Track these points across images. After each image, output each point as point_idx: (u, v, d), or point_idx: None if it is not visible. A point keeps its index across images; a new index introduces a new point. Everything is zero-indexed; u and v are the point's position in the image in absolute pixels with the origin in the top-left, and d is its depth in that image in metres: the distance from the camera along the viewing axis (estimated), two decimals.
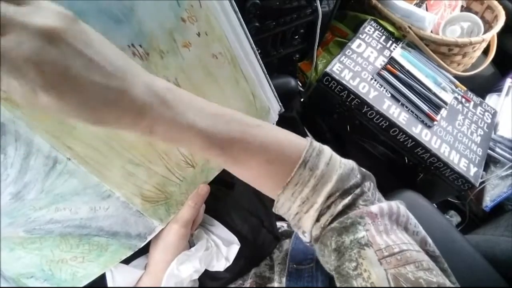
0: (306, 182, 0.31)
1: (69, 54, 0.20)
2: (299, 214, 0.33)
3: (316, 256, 0.42)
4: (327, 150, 0.33)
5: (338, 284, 0.29)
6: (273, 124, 0.48)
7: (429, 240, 0.33)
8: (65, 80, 0.20)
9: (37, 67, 0.19)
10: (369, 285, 0.27)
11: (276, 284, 0.40)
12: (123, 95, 0.23)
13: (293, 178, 0.31)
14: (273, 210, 0.34)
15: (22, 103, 0.23)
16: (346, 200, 0.31)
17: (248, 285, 0.43)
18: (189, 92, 0.29)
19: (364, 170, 0.35)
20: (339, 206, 0.31)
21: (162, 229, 0.42)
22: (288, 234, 0.53)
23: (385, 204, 0.32)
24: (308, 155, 0.31)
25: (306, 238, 0.34)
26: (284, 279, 0.40)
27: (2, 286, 0.35)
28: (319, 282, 0.37)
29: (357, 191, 0.32)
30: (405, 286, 0.25)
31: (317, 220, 0.32)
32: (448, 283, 0.27)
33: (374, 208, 0.31)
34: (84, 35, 0.22)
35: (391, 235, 0.30)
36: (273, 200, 0.55)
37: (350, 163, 0.34)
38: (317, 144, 0.33)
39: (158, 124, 0.26)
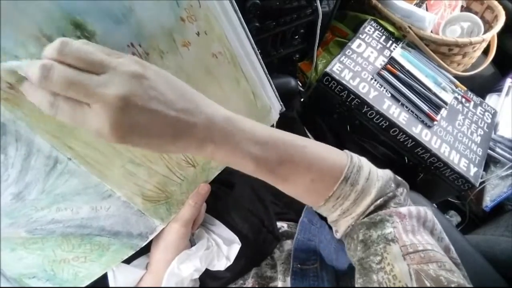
0: (347, 196, 0.34)
1: (136, 112, 0.25)
2: (338, 220, 0.36)
3: (321, 256, 0.42)
4: (365, 165, 0.36)
5: (357, 276, 0.31)
6: (277, 119, 0.49)
7: (452, 248, 0.34)
8: (134, 132, 0.25)
9: (111, 131, 0.24)
10: (391, 277, 0.28)
11: (280, 283, 0.40)
12: (190, 128, 0.27)
13: (335, 192, 0.33)
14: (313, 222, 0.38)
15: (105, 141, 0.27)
16: (378, 202, 0.34)
17: (250, 285, 0.43)
18: (244, 118, 0.32)
19: (399, 178, 0.37)
20: (371, 207, 0.34)
21: (163, 229, 0.42)
22: (289, 234, 0.53)
23: (414, 208, 0.34)
24: (349, 172, 0.34)
25: (337, 236, 0.37)
26: (288, 278, 0.40)
27: (4, 286, 0.35)
28: (325, 282, 0.38)
29: (390, 194, 0.35)
30: (426, 281, 0.27)
31: (353, 223, 0.35)
32: (468, 286, 0.28)
33: (403, 209, 0.33)
34: (150, 88, 0.26)
35: (417, 236, 0.31)
36: (273, 201, 0.56)
37: (387, 174, 0.36)
38: (356, 159, 0.35)
39: (219, 152, 0.30)
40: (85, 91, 0.24)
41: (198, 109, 0.28)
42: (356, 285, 0.31)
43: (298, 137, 0.34)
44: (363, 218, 0.34)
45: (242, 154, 0.30)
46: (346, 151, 0.36)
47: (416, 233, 0.31)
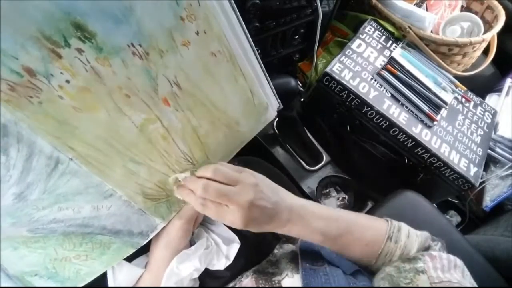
0: (394, 252, 0.40)
1: (255, 210, 0.37)
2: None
3: (327, 259, 0.43)
4: (404, 226, 0.43)
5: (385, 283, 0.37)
6: (274, 116, 0.52)
7: None
8: (252, 223, 0.37)
9: (242, 223, 0.37)
10: None
11: (288, 280, 0.41)
12: (278, 215, 0.39)
13: (383, 250, 0.40)
14: None
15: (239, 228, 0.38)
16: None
17: (249, 281, 0.43)
18: (312, 202, 0.42)
19: (435, 237, 0.44)
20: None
21: (164, 227, 0.43)
22: (289, 236, 0.53)
23: (445, 254, 0.39)
24: (391, 232, 0.41)
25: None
26: (297, 275, 0.40)
27: (7, 285, 0.35)
28: (335, 280, 0.38)
29: (426, 245, 0.41)
30: None
31: None
32: None
33: (434, 253, 0.39)
34: (261, 194, 0.38)
35: (446, 274, 0.36)
36: None
37: (425, 234, 0.43)
38: (395, 222, 0.43)
39: (294, 229, 0.40)
40: (227, 198, 0.36)
41: (283, 201, 0.40)
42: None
43: (349, 212, 0.43)
44: None
45: (311, 229, 0.40)
46: (386, 218, 0.44)
47: (445, 272, 0.36)
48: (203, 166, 0.40)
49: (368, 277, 0.41)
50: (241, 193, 0.37)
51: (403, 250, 0.40)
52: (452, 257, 0.39)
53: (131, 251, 0.41)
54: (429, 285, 0.34)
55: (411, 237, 0.41)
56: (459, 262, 0.39)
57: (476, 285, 0.38)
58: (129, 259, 0.43)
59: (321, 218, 0.40)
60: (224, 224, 0.50)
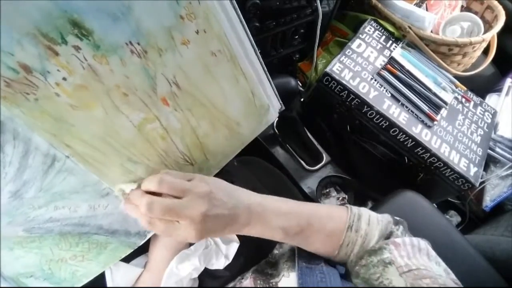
0: (355, 242, 0.40)
1: (212, 218, 0.35)
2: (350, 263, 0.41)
3: (324, 259, 0.43)
4: (364, 212, 0.42)
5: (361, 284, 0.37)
6: (276, 118, 0.52)
7: (451, 272, 0.37)
8: (213, 226, 0.35)
9: (197, 232, 0.34)
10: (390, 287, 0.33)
11: (284, 279, 0.40)
12: (236, 219, 0.37)
13: (344, 240, 0.40)
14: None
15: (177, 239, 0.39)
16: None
17: (248, 281, 0.42)
18: (271, 197, 0.41)
19: (397, 218, 0.43)
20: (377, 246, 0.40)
21: None
22: None
23: (408, 238, 0.39)
24: (351, 221, 0.40)
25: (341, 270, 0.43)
26: (292, 274, 0.40)
27: (2, 286, 0.35)
28: (331, 280, 0.38)
29: (389, 231, 0.41)
30: None
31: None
32: None
33: (398, 240, 0.39)
34: (216, 197, 0.36)
35: (412, 259, 0.36)
36: None
37: (386, 217, 0.42)
38: (355, 210, 0.42)
39: (254, 230, 0.38)
40: (176, 214, 0.33)
41: (241, 203, 0.38)
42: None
43: (309, 204, 0.42)
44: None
45: (271, 227, 0.39)
46: (347, 205, 0.43)
47: (411, 258, 0.36)
48: (147, 177, 0.37)
49: None
50: (191, 205, 0.34)
51: (364, 238, 0.40)
52: (415, 240, 0.39)
53: (128, 251, 0.41)
54: (399, 276, 0.34)
55: (371, 224, 0.40)
56: (423, 244, 0.39)
57: (442, 262, 0.38)
58: (128, 259, 0.43)
59: (280, 214, 0.39)
60: None
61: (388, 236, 0.40)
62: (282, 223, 0.39)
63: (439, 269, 0.36)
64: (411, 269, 0.34)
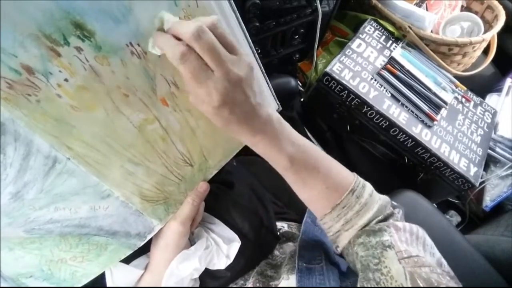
0: (352, 207, 0.38)
1: (238, 92, 0.32)
2: (340, 231, 0.39)
3: (325, 256, 0.42)
4: (369, 185, 0.41)
5: (359, 272, 0.35)
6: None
7: (444, 262, 0.36)
8: (228, 105, 0.31)
9: (219, 97, 0.30)
10: (388, 278, 0.31)
11: (283, 282, 0.40)
12: (254, 119, 0.34)
13: (342, 201, 0.38)
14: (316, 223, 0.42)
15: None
16: (379, 218, 0.38)
17: (251, 285, 0.43)
18: (287, 124, 0.38)
19: (395, 203, 0.42)
20: (373, 222, 0.38)
21: (162, 228, 0.42)
22: (289, 235, 0.53)
23: (407, 224, 0.38)
24: (356, 186, 0.39)
25: (338, 250, 0.41)
26: (292, 276, 0.40)
27: (1, 286, 0.35)
28: (331, 281, 0.38)
29: (389, 212, 0.39)
30: (418, 281, 0.30)
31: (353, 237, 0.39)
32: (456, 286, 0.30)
33: (399, 223, 0.37)
34: (252, 81, 0.33)
35: (410, 247, 0.35)
36: (273, 201, 0.55)
37: (386, 198, 0.41)
38: (362, 179, 0.40)
39: (263, 143, 0.36)
40: (219, 60, 0.29)
41: (264, 106, 0.35)
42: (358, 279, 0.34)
43: (321, 151, 0.40)
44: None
45: (280, 149, 0.36)
46: (354, 172, 0.41)
47: (409, 244, 0.35)
48: (199, 17, 0.32)
49: None
50: (236, 63, 0.31)
51: (362, 207, 0.38)
52: (414, 227, 0.38)
53: (128, 252, 0.41)
54: (398, 262, 0.32)
55: (373, 197, 0.39)
56: (421, 232, 0.38)
57: (437, 252, 0.37)
58: (129, 260, 0.43)
59: (293, 143, 0.37)
60: (218, 182, 0.48)
61: (387, 217, 0.39)
62: (291, 150, 0.36)
63: (432, 260, 0.35)
64: (411, 256, 0.33)
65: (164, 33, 0.31)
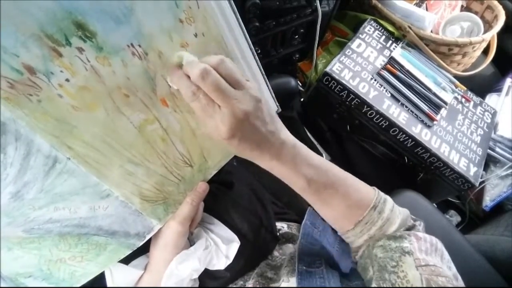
0: (375, 222, 0.38)
1: (246, 125, 0.33)
2: (363, 246, 0.40)
3: (324, 260, 0.42)
4: (389, 200, 0.41)
5: (374, 270, 0.36)
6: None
7: (460, 278, 0.36)
8: (237, 137, 0.33)
9: (227, 131, 0.32)
10: (404, 282, 0.32)
11: (283, 284, 0.40)
12: (268, 146, 0.35)
13: (364, 217, 0.38)
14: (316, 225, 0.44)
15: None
16: (402, 229, 0.39)
17: (251, 285, 0.43)
18: (303, 145, 0.39)
19: (414, 217, 0.42)
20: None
21: (161, 228, 0.42)
22: (289, 236, 0.53)
23: (428, 236, 0.38)
24: (377, 201, 0.39)
25: (356, 257, 0.42)
26: (292, 279, 0.40)
27: (1, 286, 0.35)
28: (331, 283, 0.38)
29: (411, 224, 0.40)
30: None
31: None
32: None
33: (420, 234, 0.38)
34: (260, 112, 0.34)
35: (429, 257, 0.35)
36: (273, 201, 0.55)
37: (406, 211, 0.42)
38: (382, 194, 0.41)
39: (279, 168, 0.37)
40: (224, 97, 0.31)
41: (277, 133, 0.36)
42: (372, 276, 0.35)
43: (340, 169, 0.40)
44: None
45: (298, 173, 0.37)
46: (374, 187, 0.42)
47: (428, 254, 0.35)
48: (208, 56, 0.34)
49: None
50: (241, 98, 0.32)
51: (385, 222, 0.38)
52: (434, 239, 0.38)
53: (127, 252, 0.41)
54: (415, 269, 0.33)
55: (394, 211, 0.39)
56: (440, 245, 0.38)
57: (453, 267, 0.37)
58: (129, 260, 0.43)
59: (311, 165, 0.37)
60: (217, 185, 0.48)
61: (409, 228, 0.39)
62: (308, 172, 0.37)
63: (449, 273, 0.35)
64: (428, 264, 0.33)
65: (179, 70, 0.34)
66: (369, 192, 0.40)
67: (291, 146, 0.37)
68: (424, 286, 0.31)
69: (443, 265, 0.36)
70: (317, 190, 0.38)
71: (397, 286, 0.32)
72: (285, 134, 0.38)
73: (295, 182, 0.38)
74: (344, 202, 0.38)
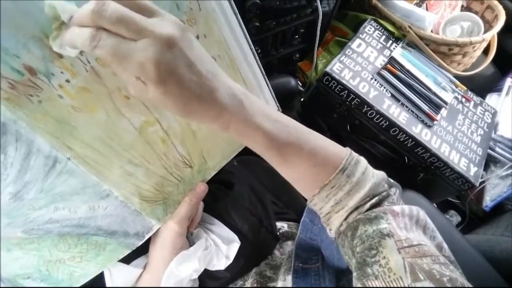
0: (342, 187, 0.34)
1: (179, 57, 0.26)
2: (330, 213, 0.36)
3: (322, 256, 0.42)
4: (363, 161, 0.37)
5: (354, 270, 0.32)
6: None
7: (445, 246, 0.34)
8: (172, 77, 0.26)
9: (155, 66, 0.24)
10: (386, 270, 0.29)
11: (280, 283, 0.40)
12: (212, 93, 0.28)
13: (331, 181, 0.34)
14: (307, 205, 0.38)
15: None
16: (373, 200, 0.35)
17: (249, 285, 0.43)
18: (258, 99, 0.33)
19: (392, 180, 0.38)
20: (367, 205, 0.35)
21: (160, 227, 0.42)
22: (289, 235, 0.53)
23: (406, 207, 0.35)
24: (347, 163, 0.35)
25: (331, 235, 0.38)
26: (288, 277, 0.40)
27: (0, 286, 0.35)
28: (326, 281, 0.38)
29: (384, 193, 0.36)
30: (419, 274, 0.28)
31: (345, 218, 0.36)
32: (460, 279, 0.28)
33: (396, 208, 0.34)
34: (190, 42, 0.27)
35: (410, 233, 0.32)
36: (273, 201, 0.55)
37: (381, 174, 0.37)
38: (355, 154, 0.36)
39: (234, 122, 0.30)
40: (136, 26, 0.24)
41: (221, 78, 0.30)
42: (353, 279, 0.32)
43: (304, 126, 0.36)
44: (358, 216, 0.35)
45: (255, 126, 0.31)
46: (348, 148, 0.37)
47: (409, 230, 0.32)
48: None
49: None
50: (159, 24, 0.25)
51: (353, 186, 0.34)
52: (414, 209, 0.35)
53: (126, 252, 0.41)
54: (397, 252, 0.30)
55: (366, 174, 0.35)
56: (422, 214, 0.35)
57: (438, 236, 0.35)
58: (128, 260, 0.43)
59: (269, 117, 0.32)
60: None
61: (382, 199, 0.35)
62: (269, 126, 0.32)
63: (432, 245, 0.33)
64: (412, 245, 0.30)
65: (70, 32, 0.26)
66: (340, 153, 0.36)
67: (241, 94, 0.31)
68: (408, 272, 0.28)
69: (426, 239, 0.33)
70: (278, 147, 0.33)
71: (380, 278, 0.29)
72: (231, 82, 0.31)
73: (256, 138, 0.32)
74: (309, 161, 0.34)
